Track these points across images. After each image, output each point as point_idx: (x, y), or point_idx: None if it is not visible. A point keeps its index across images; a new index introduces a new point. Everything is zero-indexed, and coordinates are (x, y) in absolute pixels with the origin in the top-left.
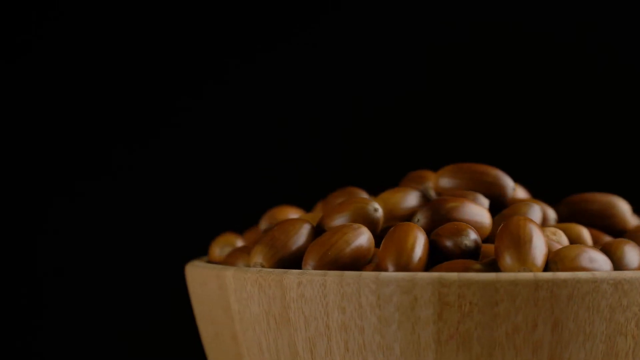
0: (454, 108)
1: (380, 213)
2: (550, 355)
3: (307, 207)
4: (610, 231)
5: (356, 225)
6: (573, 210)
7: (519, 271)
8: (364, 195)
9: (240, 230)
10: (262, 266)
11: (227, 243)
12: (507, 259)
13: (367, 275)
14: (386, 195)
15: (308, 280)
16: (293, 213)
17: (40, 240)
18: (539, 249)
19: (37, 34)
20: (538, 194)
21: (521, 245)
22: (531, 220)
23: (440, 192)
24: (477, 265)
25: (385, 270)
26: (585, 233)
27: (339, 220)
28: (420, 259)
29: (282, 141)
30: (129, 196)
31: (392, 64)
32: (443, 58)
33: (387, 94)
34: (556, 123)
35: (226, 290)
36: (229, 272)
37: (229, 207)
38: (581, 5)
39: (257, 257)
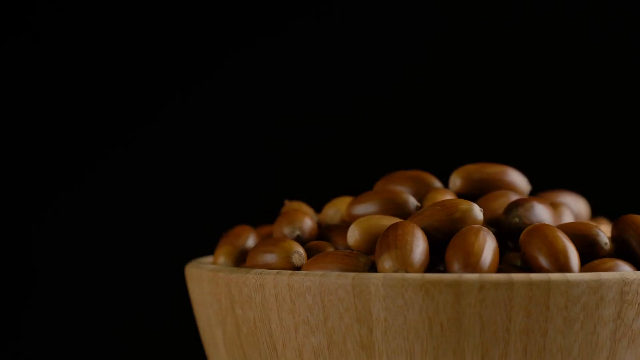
0: (454, 108)
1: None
2: None
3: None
4: None
5: (484, 227)
6: None
7: None
8: (411, 198)
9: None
10: (406, 271)
11: (293, 249)
12: None
13: (556, 277)
14: (433, 196)
15: (492, 285)
16: (308, 216)
17: (39, 240)
18: None
19: (19, 34)
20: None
21: None
22: None
23: (456, 192)
24: (613, 263)
25: (542, 270)
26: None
27: (442, 223)
28: (578, 258)
29: (282, 141)
30: (129, 196)
31: (392, 64)
32: (443, 58)
33: (387, 94)
34: (555, 123)
35: (366, 298)
36: (377, 280)
37: (228, 207)
38: (581, 4)
39: (393, 262)
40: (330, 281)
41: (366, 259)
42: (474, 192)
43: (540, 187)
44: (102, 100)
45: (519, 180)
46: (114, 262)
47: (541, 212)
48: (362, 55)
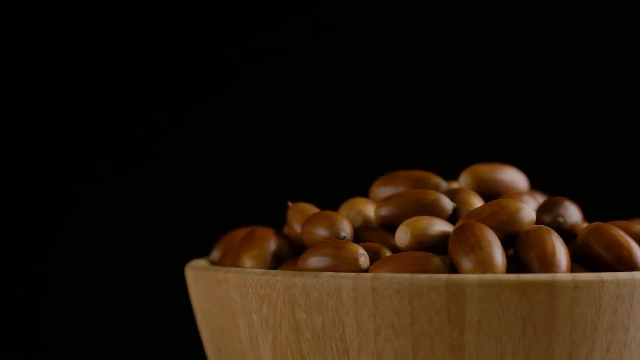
0: (454, 108)
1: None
2: None
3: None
4: None
5: (550, 228)
6: None
7: None
8: (444, 198)
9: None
10: (493, 272)
11: (359, 251)
12: None
13: None
14: (463, 196)
15: (585, 284)
16: (345, 217)
17: (39, 240)
18: None
19: (19, 34)
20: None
21: None
22: None
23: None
24: None
25: (611, 269)
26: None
27: (503, 224)
28: None
29: (282, 141)
30: (129, 196)
31: (392, 64)
32: (443, 58)
33: (387, 94)
34: (555, 122)
35: (459, 300)
36: (473, 281)
37: (228, 207)
38: (581, 4)
39: (479, 264)
40: (421, 283)
41: (439, 260)
42: (482, 191)
43: (539, 187)
44: (102, 101)
45: (521, 180)
46: (114, 262)
47: (574, 212)
48: (362, 55)
